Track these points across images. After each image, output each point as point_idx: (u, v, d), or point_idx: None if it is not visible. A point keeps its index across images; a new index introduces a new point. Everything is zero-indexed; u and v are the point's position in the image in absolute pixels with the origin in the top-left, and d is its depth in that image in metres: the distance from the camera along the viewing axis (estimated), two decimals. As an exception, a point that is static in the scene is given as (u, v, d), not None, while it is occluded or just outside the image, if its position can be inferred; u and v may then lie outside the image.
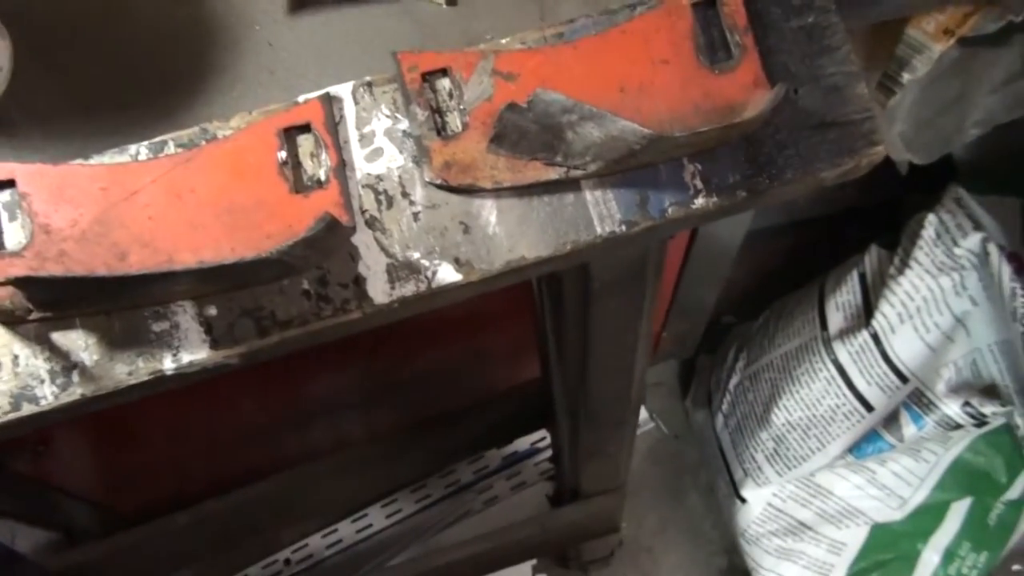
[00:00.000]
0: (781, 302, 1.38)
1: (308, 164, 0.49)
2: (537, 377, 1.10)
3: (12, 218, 0.47)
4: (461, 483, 1.48)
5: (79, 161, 0.49)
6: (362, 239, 0.49)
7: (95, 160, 0.49)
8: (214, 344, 0.48)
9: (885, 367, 1.21)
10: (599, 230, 0.49)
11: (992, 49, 1.05)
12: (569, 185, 0.50)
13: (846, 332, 1.23)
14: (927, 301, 1.19)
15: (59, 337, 0.47)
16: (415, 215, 0.49)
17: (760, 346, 1.35)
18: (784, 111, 0.50)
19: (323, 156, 0.49)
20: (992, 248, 1.14)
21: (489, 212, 0.49)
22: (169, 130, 0.50)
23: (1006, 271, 1.13)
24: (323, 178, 0.49)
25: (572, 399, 0.81)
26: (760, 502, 1.32)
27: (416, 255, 0.49)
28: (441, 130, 0.49)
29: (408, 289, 0.49)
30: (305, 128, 0.49)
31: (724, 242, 1.09)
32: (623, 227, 0.50)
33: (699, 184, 0.50)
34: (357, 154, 0.50)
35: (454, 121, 0.50)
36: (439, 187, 0.49)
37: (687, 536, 1.50)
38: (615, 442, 0.90)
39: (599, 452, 0.92)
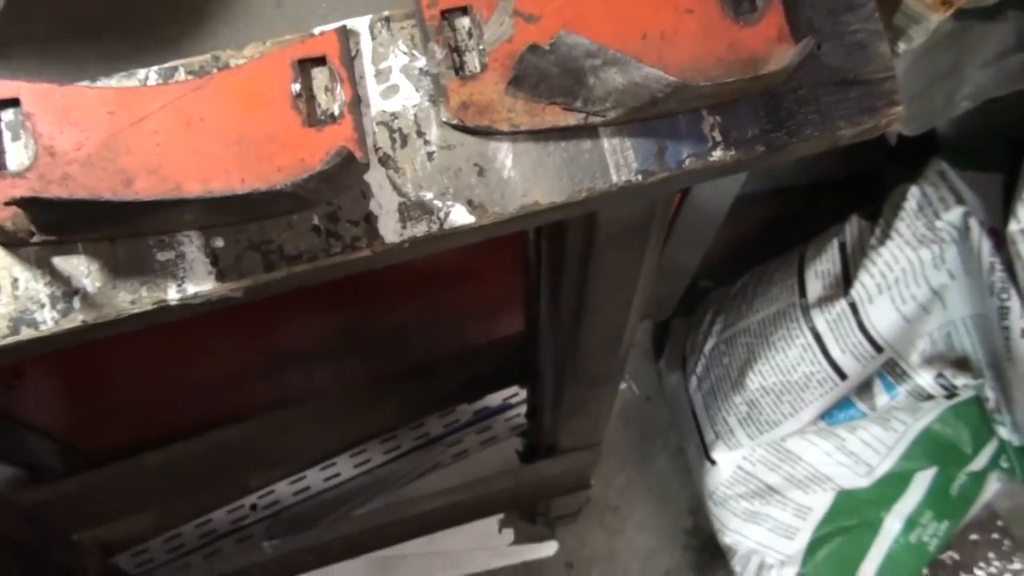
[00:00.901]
0: (760, 268, 1.38)
1: (322, 97, 0.48)
2: (515, 333, 1.10)
3: (15, 138, 0.46)
4: (431, 436, 1.49)
5: (85, 83, 0.47)
6: (375, 177, 0.48)
7: (102, 83, 0.47)
8: (220, 276, 0.47)
9: (861, 336, 1.22)
10: (615, 178, 0.49)
11: (987, 23, 1.05)
12: (587, 131, 0.49)
13: (824, 300, 1.24)
14: (906, 273, 1.19)
15: (61, 262, 0.46)
16: (429, 155, 0.48)
17: (737, 311, 1.35)
18: (806, 66, 0.50)
19: (338, 90, 0.48)
20: (973, 223, 1.15)
21: (505, 155, 0.49)
22: (173, 58, 0.49)
23: (986, 246, 1.14)
24: (337, 112, 0.47)
25: (560, 354, 0.80)
26: (730, 465, 1.33)
27: (429, 195, 0.48)
28: (459, 70, 0.48)
29: (420, 229, 0.48)
30: (320, 61, 0.48)
31: (712, 207, 1.09)
32: (639, 176, 0.49)
33: (718, 136, 0.49)
34: (373, 90, 0.48)
35: (472, 61, 0.49)
36: (455, 127, 0.48)
37: (654, 496, 1.51)
38: (598, 399, 0.90)
39: (581, 408, 0.92)
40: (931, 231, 1.19)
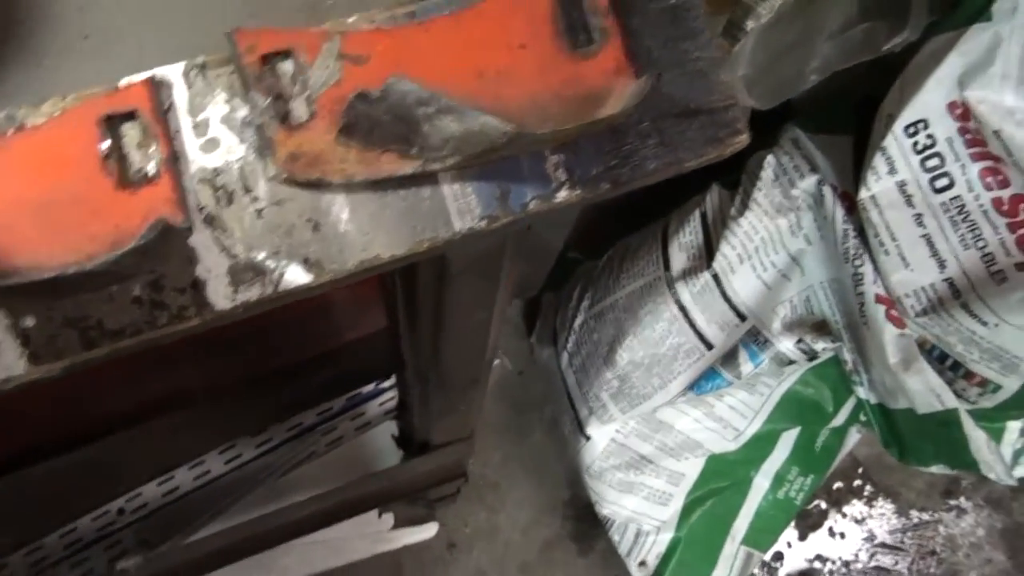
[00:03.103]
0: (625, 242, 1.39)
1: (135, 156, 0.44)
2: (382, 328, 1.07)
3: None
4: (304, 426, 1.45)
5: None
6: (200, 239, 0.45)
7: None
8: (34, 359, 0.43)
9: (725, 306, 1.24)
10: (457, 226, 0.47)
11: (832, -5, 1.06)
12: (426, 179, 0.47)
13: (688, 272, 1.25)
14: (765, 241, 1.21)
15: None
16: (258, 212, 0.45)
17: (604, 286, 1.35)
18: (648, 99, 0.48)
19: (152, 147, 0.44)
20: (827, 190, 1.17)
21: (340, 208, 0.46)
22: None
23: (839, 212, 1.16)
24: (153, 171, 0.44)
25: (423, 368, 0.79)
26: (604, 438, 1.34)
27: (261, 255, 0.45)
28: (285, 119, 0.45)
29: (253, 293, 0.45)
30: (130, 115, 0.44)
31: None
32: (483, 222, 0.47)
33: (562, 176, 0.48)
34: (191, 144, 0.45)
35: (299, 109, 0.46)
36: (285, 181, 0.45)
37: (531, 471, 1.52)
38: (466, 400, 0.88)
39: (450, 409, 0.91)
40: (787, 199, 1.20)
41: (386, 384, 1.42)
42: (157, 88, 0.44)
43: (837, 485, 1.56)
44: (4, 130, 0.43)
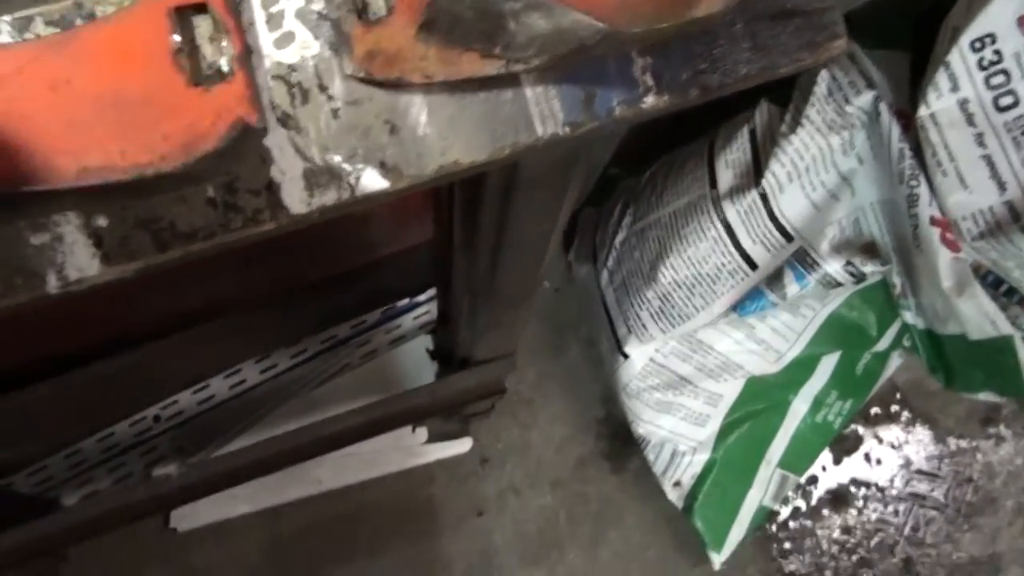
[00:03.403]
0: (670, 157, 1.35)
1: (207, 51, 0.42)
2: (426, 240, 1.06)
3: None
4: (338, 338, 1.45)
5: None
6: (274, 139, 0.43)
7: (-56, 40, 0.40)
8: (105, 259, 0.42)
9: (771, 225, 1.21)
10: (540, 131, 0.45)
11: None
12: (508, 80, 0.44)
13: (736, 191, 1.22)
14: (815, 160, 1.18)
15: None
16: (334, 112, 0.43)
17: (648, 203, 1.33)
18: (743, -1, 0.45)
19: (224, 42, 0.42)
20: (883, 107, 1.13)
21: (419, 110, 0.44)
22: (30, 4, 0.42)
23: (895, 131, 1.12)
24: (226, 68, 0.41)
25: (475, 279, 0.77)
26: (642, 358, 1.33)
27: (337, 158, 0.43)
28: (363, 13, 0.43)
29: (328, 197, 0.43)
30: (202, 8, 0.42)
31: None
32: (567, 128, 0.45)
33: (649, 81, 0.45)
34: (265, 39, 0.43)
35: (377, 2, 0.43)
36: (361, 80, 0.43)
37: (566, 388, 1.51)
38: (515, 317, 0.87)
39: (497, 324, 0.90)
40: (841, 116, 1.17)
41: (422, 298, 1.41)
42: None
43: (875, 410, 1.55)
44: (72, 19, 0.41)
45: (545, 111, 0.45)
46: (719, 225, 1.23)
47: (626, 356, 1.34)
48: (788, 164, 1.18)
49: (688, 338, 1.31)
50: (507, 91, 0.44)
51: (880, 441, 1.54)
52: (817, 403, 1.41)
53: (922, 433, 1.54)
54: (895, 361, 1.41)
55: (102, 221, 0.41)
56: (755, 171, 1.22)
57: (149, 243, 0.42)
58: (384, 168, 0.43)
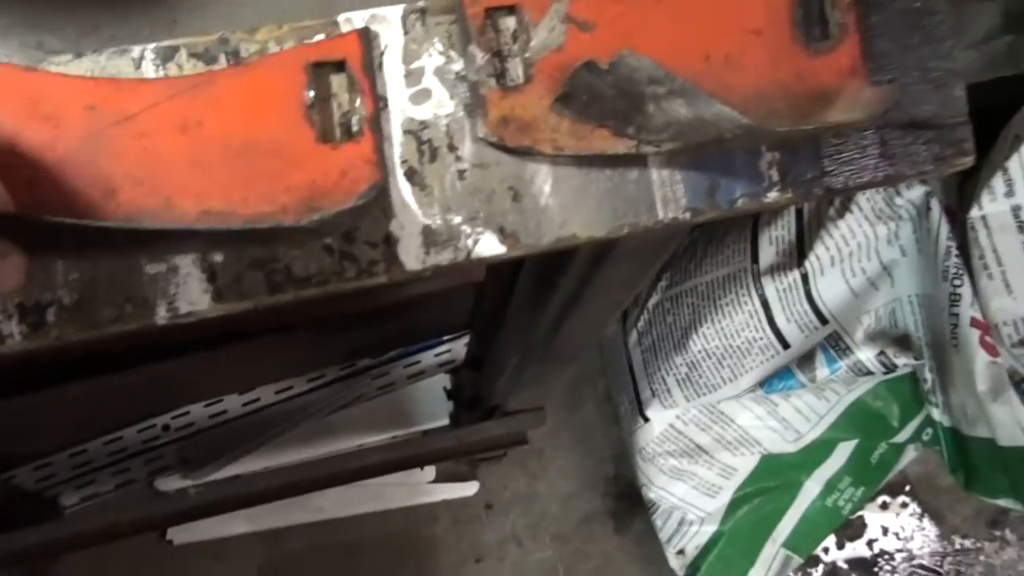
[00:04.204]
0: (711, 226, 1.35)
1: (340, 109, 0.41)
2: (468, 282, 1.05)
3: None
4: (357, 367, 1.44)
5: (67, 57, 0.40)
6: (398, 194, 0.42)
7: (89, 59, 0.40)
8: (217, 295, 0.41)
9: (808, 307, 1.21)
10: (661, 215, 0.44)
11: (978, 2, 1.02)
12: (635, 160, 0.44)
13: (776, 268, 1.22)
14: (860, 247, 1.18)
15: (34, 268, 0.40)
16: (461, 173, 0.43)
17: (685, 269, 1.33)
18: (876, 105, 0.45)
19: (358, 102, 0.41)
20: (935, 204, 1.14)
21: (544, 180, 0.44)
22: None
23: (944, 228, 1.13)
24: (356, 128, 0.41)
25: (531, 338, 0.76)
26: (662, 423, 1.32)
27: (457, 219, 0.43)
28: (500, 78, 0.43)
29: (444, 256, 0.43)
30: (340, 65, 0.41)
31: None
32: (687, 214, 0.45)
33: (775, 176, 0.45)
34: (400, 94, 0.42)
35: (516, 69, 0.43)
36: (492, 144, 0.43)
37: (578, 442, 1.50)
38: (561, 373, 0.86)
39: (541, 380, 0.89)
40: (890, 207, 1.17)
41: (445, 336, 1.41)
42: (368, 41, 0.42)
43: (883, 499, 1.54)
44: (215, 53, 0.41)
45: (668, 194, 0.44)
46: (756, 300, 1.23)
47: (646, 419, 1.33)
48: (832, 248, 1.18)
49: (710, 408, 1.30)
50: (633, 170, 0.44)
51: (885, 531, 1.53)
52: (829, 487, 1.40)
53: (928, 528, 1.53)
54: (910, 454, 1.41)
55: (218, 257, 0.41)
56: (798, 250, 1.22)
57: (262, 283, 0.41)
58: (502, 234, 0.43)
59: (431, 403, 1.46)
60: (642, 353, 1.35)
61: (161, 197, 0.39)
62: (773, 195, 0.45)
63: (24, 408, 1.04)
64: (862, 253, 1.19)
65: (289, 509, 1.42)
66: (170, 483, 1.43)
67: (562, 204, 0.44)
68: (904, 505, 1.54)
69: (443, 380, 1.47)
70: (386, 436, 1.43)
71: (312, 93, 0.41)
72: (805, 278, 1.20)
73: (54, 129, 0.38)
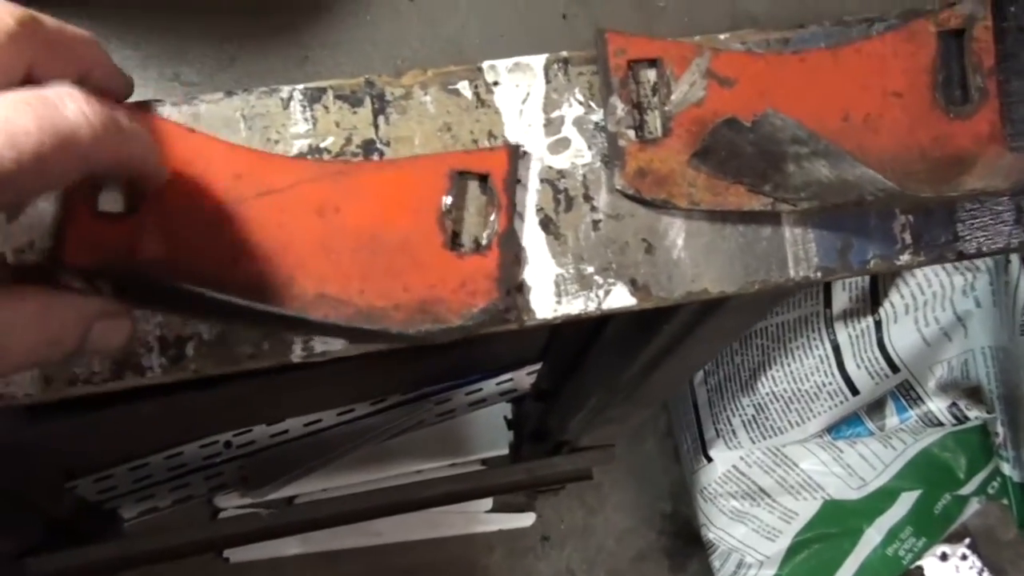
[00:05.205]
0: (783, 268, 1.35)
1: (474, 220, 0.41)
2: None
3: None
4: (419, 392, 1.44)
5: (217, 96, 0.41)
6: (533, 241, 0.42)
7: (239, 97, 0.41)
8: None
9: (878, 354, 1.20)
10: (792, 273, 0.44)
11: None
12: (769, 217, 0.44)
13: (850, 313, 1.21)
14: (935, 296, 1.17)
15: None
16: (595, 223, 0.43)
17: (755, 310, 1.32)
18: (1012, 172, 0.45)
19: (492, 216, 0.41)
20: (1014, 257, 1.12)
21: (677, 233, 0.43)
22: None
23: None
24: (485, 242, 0.41)
25: (617, 381, 0.76)
26: (726, 463, 1.31)
27: (590, 269, 0.43)
28: (639, 130, 0.43)
29: (575, 307, 0.43)
30: (484, 178, 0.41)
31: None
32: (818, 273, 0.44)
33: (908, 239, 0.45)
34: (540, 142, 0.43)
35: (654, 123, 0.43)
36: (627, 196, 0.43)
37: (636, 478, 1.49)
38: (639, 416, 0.86)
39: (621, 420, 0.89)
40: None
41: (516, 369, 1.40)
42: (516, 158, 0.42)
43: (943, 550, 1.51)
44: (361, 96, 0.41)
45: (800, 253, 0.44)
46: (827, 345, 1.22)
47: (709, 459, 1.32)
48: (908, 296, 1.17)
49: (775, 451, 1.29)
50: (766, 227, 0.44)
51: (946, 585, 1.51)
52: (891, 536, 1.38)
53: (989, 582, 1.50)
54: (974, 506, 1.38)
55: (354, 298, 0.41)
56: (872, 297, 1.21)
57: (396, 327, 0.41)
58: (634, 286, 0.43)
59: (491, 432, 1.46)
60: (708, 392, 1.34)
61: (283, 274, 0.39)
62: (905, 258, 0.45)
63: (95, 423, 1.05)
64: (936, 303, 1.17)
65: (346, 532, 1.42)
66: (229, 500, 1.43)
67: (694, 258, 0.43)
68: (964, 557, 1.52)
69: (504, 409, 1.47)
70: (444, 463, 1.43)
71: (449, 199, 0.41)
72: (878, 325, 1.19)
73: (200, 189, 0.39)
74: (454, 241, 0.41)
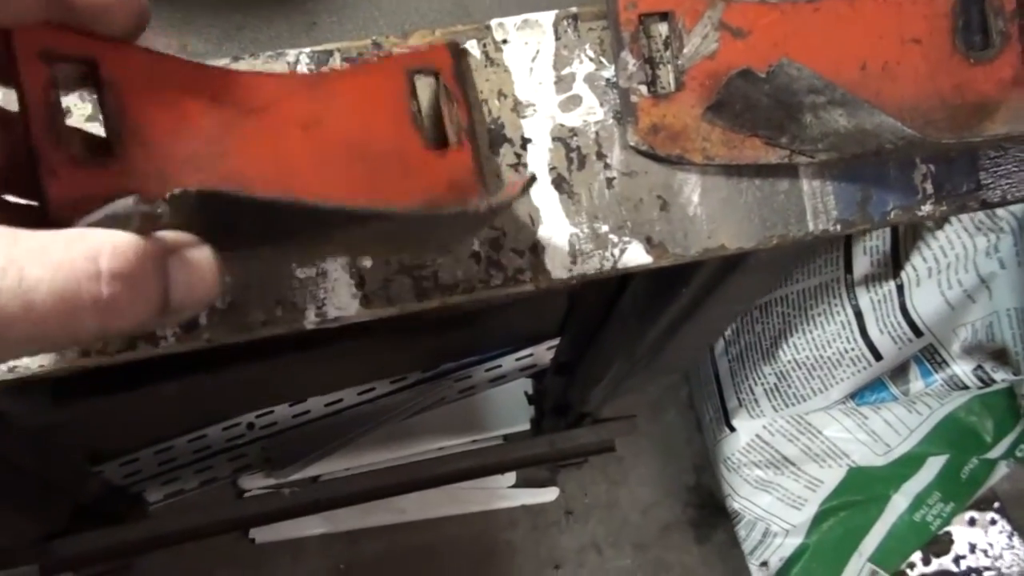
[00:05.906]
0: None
1: (438, 116, 0.40)
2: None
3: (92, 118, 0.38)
4: (440, 369, 1.44)
5: (223, 61, 0.40)
6: (546, 201, 0.42)
7: (246, 62, 0.40)
8: (365, 301, 0.41)
9: (901, 318, 1.19)
10: (811, 226, 0.43)
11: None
12: (786, 170, 0.43)
13: (871, 278, 1.20)
14: (958, 258, 1.15)
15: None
16: (609, 181, 0.42)
17: (775, 277, 1.31)
18: (1036, 117, 0.44)
19: (455, 112, 0.41)
20: (1037, 216, 1.11)
21: (692, 189, 0.43)
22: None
23: (1048, 241, 1.10)
24: (454, 138, 0.40)
25: (637, 350, 0.75)
26: (749, 433, 1.30)
27: (604, 228, 0.42)
28: (651, 86, 0.42)
29: (590, 266, 0.42)
30: (436, 74, 0.40)
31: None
32: (838, 226, 0.44)
33: (929, 188, 0.44)
34: (550, 100, 0.42)
35: (667, 77, 0.42)
36: (641, 153, 0.42)
37: (659, 450, 1.49)
38: (660, 385, 0.85)
39: (640, 389, 0.88)
40: (990, 218, 1.14)
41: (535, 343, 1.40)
42: (458, 53, 0.41)
43: (971, 515, 1.50)
44: (369, 58, 0.41)
45: (819, 206, 0.43)
46: (849, 310, 1.21)
47: (732, 429, 1.31)
48: (930, 259, 1.16)
49: (798, 419, 1.28)
50: (783, 181, 0.43)
51: (973, 548, 1.50)
52: (918, 501, 1.37)
53: (1018, 547, 1.49)
54: (1002, 470, 1.37)
55: (367, 262, 0.41)
56: (893, 261, 1.19)
57: (409, 289, 0.41)
58: (650, 244, 0.42)
59: (512, 407, 1.46)
60: (729, 362, 1.33)
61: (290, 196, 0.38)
62: (927, 208, 0.44)
63: (118, 406, 1.05)
64: (960, 265, 1.16)
65: (369, 511, 1.42)
66: (253, 481, 1.44)
67: (710, 214, 0.43)
68: (993, 522, 1.51)
69: (524, 384, 1.47)
70: (466, 439, 1.43)
71: (415, 103, 0.40)
72: (900, 289, 1.18)
73: (182, 119, 0.36)
74: (431, 140, 0.40)
